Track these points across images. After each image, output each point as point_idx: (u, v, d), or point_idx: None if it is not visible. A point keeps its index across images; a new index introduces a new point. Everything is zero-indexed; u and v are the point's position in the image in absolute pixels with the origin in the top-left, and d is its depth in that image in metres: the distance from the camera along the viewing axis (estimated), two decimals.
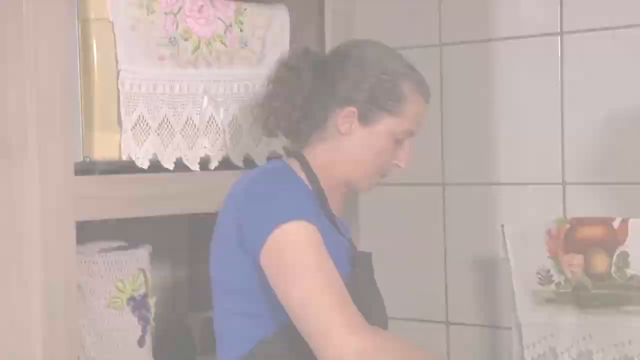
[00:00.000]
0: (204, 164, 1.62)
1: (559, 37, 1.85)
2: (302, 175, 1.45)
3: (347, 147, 1.46)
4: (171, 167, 1.55)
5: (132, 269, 1.56)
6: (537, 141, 1.89)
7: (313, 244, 1.32)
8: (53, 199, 1.36)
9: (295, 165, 1.47)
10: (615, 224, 1.66)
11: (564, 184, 1.86)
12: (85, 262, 1.51)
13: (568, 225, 1.72)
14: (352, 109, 1.44)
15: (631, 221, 1.65)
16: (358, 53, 1.48)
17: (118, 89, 1.48)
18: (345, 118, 1.44)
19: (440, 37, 2.00)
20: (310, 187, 1.44)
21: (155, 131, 1.52)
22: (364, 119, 1.44)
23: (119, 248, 1.59)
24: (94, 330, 1.53)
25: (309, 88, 1.47)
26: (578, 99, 1.84)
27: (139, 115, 1.50)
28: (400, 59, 1.50)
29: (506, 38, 1.92)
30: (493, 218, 1.92)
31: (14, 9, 1.35)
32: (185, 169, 1.58)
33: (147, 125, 1.51)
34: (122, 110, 1.48)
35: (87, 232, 1.50)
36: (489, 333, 1.99)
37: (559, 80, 1.86)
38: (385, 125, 1.45)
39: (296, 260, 1.31)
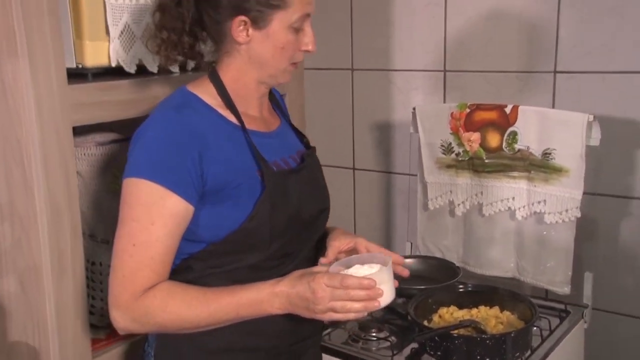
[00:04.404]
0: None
1: None
2: (208, 92, 1.48)
3: (250, 54, 1.47)
4: (155, 70, 1.70)
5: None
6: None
7: (143, 204, 1.35)
8: (49, 103, 1.45)
9: (203, 84, 1.50)
10: (507, 109, 2.02)
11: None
12: (84, 154, 1.65)
13: (468, 110, 2.08)
14: (242, 17, 1.43)
15: (520, 107, 2.01)
16: None
17: (104, 1, 1.60)
18: (238, 29, 1.44)
19: None
20: (216, 102, 1.47)
21: (140, 38, 1.66)
22: (256, 23, 1.43)
23: (113, 141, 1.71)
24: (97, 211, 1.69)
25: (192, 10, 1.46)
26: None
27: (125, 24, 1.63)
28: None
29: None
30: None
31: None
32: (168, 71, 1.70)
33: (132, 33, 1.66)
34: (109, 21, 1.61)
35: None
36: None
37: None
38: (279, 21, 1.43)
39: (123, 212, 1.37)
